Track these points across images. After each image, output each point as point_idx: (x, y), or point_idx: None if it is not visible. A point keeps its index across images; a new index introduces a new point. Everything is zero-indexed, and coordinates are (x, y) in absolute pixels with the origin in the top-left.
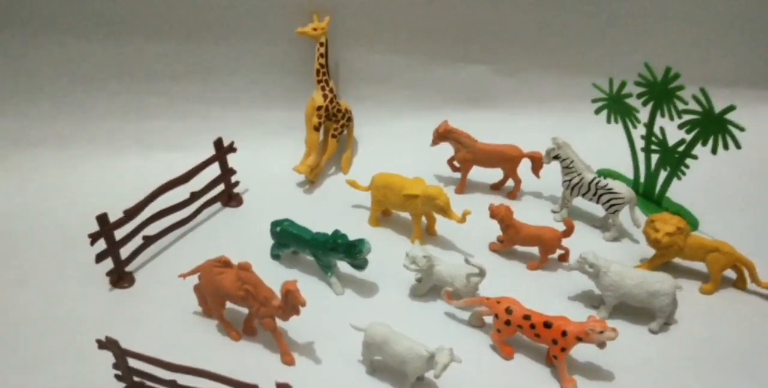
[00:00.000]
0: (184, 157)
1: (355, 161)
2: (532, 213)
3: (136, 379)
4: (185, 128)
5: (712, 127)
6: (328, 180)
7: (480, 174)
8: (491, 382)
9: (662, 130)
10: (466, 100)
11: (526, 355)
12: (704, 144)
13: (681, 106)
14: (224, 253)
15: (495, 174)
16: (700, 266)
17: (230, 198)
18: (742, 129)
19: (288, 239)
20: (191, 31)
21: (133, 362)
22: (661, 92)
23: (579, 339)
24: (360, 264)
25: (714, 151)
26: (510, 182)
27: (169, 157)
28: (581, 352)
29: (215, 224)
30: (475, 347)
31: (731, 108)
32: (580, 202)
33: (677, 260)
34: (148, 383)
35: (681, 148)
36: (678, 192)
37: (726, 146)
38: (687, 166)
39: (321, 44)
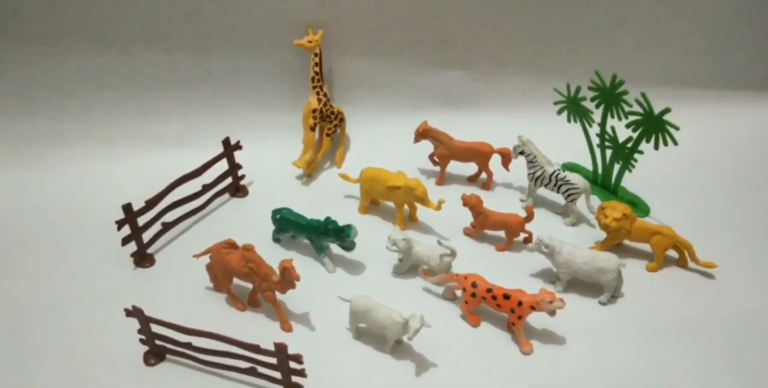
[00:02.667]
0: (197, 154)
1: (347, 157)
2: (504, 202)
3: (157, 342)
4: (197, 129)
5: (653, 126)
6: (324, 174)
7: (458, 168)
8: (460, 346)
9: (613, 129)
10: (445, 102)
11: (490, 323)
12: (647, 141)
13: (627, 108)
14: (231, 237)
15: (470, 168)
16: (646, 247)
17: (237, 190)
18: (677, 128)
19: (286, 224)
20: (202, 44)
21: (155, 329)
22: (610, 96)
23: (532, 308)
24: (348, 246)
25: (656, 147)
26: (484, 175)
27: (184, 154)
28: (539, 321)
29: (224, 213)
30: (448, 316)
31: (667, 110)
32: (544, 192)
33: (627, 242)
34: (168, 346)
35: (629, 145)
36: (633, 183)
37: (666, 143)
38: (635, 161)
39: (315, 54)
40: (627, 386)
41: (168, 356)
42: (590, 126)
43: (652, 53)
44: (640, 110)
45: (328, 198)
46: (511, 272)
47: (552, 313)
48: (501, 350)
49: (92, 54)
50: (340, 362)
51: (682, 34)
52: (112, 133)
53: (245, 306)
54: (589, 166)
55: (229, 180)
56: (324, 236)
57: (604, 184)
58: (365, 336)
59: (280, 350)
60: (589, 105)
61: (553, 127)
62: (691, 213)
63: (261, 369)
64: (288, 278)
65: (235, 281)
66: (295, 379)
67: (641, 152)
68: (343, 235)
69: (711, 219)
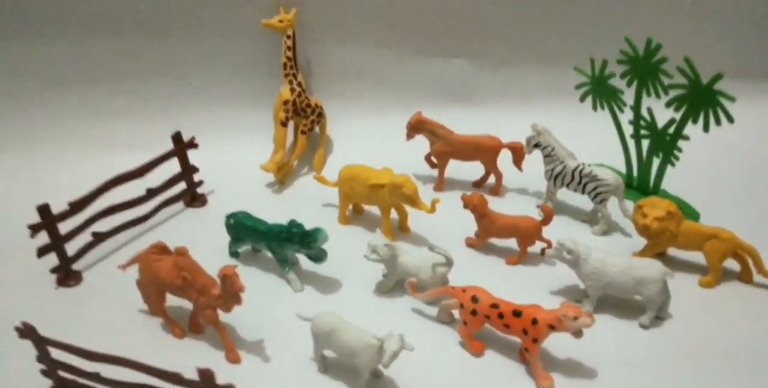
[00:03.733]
0: (148, 157)
1: (328, 162)
2: (517, 210)
3: (61, 374)
4: (152, 129)
5: (701, 100)
6: (300, 181)
7: (461, 172)
8: (459, 381)
9: (650, 111)
10: (446, 96)
11: (497, 351)
12: (695, 121)
13: (666, 81)
14: None
15: (475, 171)
16: (698, 256)
17: (193, 198)
18: (732, 99)
19: (243, 231)
20: (155, 28)
21: (58, 356)
22: (645, 68)
23: (551, 327)
24: (318, 256)
25: (706, 128)
26: (492, 180)
27: (136, 159)
28: (561, 348)
29: (175, 225)
30: (444, 344)
31: (719, 77)
32: (566, 196)
33: (673, 252)
34: (75, 379)
35: (671, 130)
36: (675, 186)
37: (718, 121)
38: (680, 150)
39: (288, 37)
40: None
41: None
42: (621, 111)
43: (690, 40)
44: (684, 82)
45: (304, 209)
46: (525, 290)
47: (578, 333)
48: (511, 387)
49: (30, 43)
50: None
51: (724, 16)
52: (53, 134)
53: (184, 332)
54: (621, 167)
55: (182, 186)
56: (287, 243)
57: (641, 187)
58: (335, 369)
59: (206, 378)
60: (619, 84)
61: (576, 123)
62: (750, 219)
63: None
64: (230, 290)
65: (175, 302)
66: None
67: (687, 138)
68: (309, 240)
69: None
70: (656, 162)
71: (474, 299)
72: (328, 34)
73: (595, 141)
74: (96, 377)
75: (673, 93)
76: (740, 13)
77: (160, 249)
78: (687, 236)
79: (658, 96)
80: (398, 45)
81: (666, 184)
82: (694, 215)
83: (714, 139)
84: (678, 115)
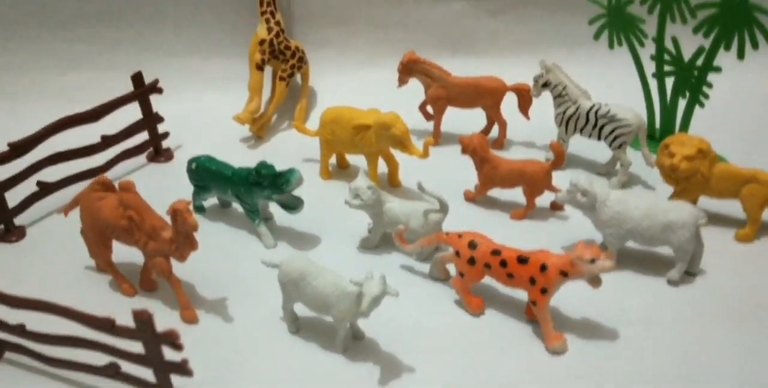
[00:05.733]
0: (114, 113)
1: (311, 116)
2: None
3: None
4: (113, 80)
5: (735, 18)
6: (279, 135)
7: (459, 123)
8: (455, 344)
9: (675, 41)
10: (442, 44)
11: (500, 310)
12: (727, 47)
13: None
14: None
15: (477, 124)
16: (734, 206)
17: (157, 152)
18: None
19: (206, 177)
20: None
21: None
22: None
23: (564, 274)
24: (293, 204)
25: (741, 54)
26: (495, 132)
27: None
28: (575, 307)
29: (136, 181)
30: (437, 303)
31: None
32: (581, 148)
33: (705, 203)
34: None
35: (700, 62)
36: (704, 131)
37: (755, 44)
38: (710, 86)
39: None
40: None
41: (7, 353)
42: (642, 45)
43: None
44: None
45: (283, 167)
46: (533, 247)
47: (595, 281)
48: (517, 349)
49: None
50: (266, 366)
51: None
52: (2, 84)
53: (134, 289)
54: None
55: (143, 137)
56: (256, 187)
57: (666, 136)
58: (307, 329)
59: (142, 322)
60: (639, 12)
61: (589, 68)
62: None
63: (126, 366)
64: (182, 230)
65: (127, 257)
66: (177, 383)
67: (718, 70)
68: (281, 182)
69: None
70: (682, 105)
71: (472, 245)
72: None
73: (612, 88)
74: (21, 330)
75: (701, 15)
76: None
77: (103, 185)
78: (721, 179)
79: (684, 20)
80: None
81: (693, 132)
82: None
83: (748, 79)
84: (707, 43)
